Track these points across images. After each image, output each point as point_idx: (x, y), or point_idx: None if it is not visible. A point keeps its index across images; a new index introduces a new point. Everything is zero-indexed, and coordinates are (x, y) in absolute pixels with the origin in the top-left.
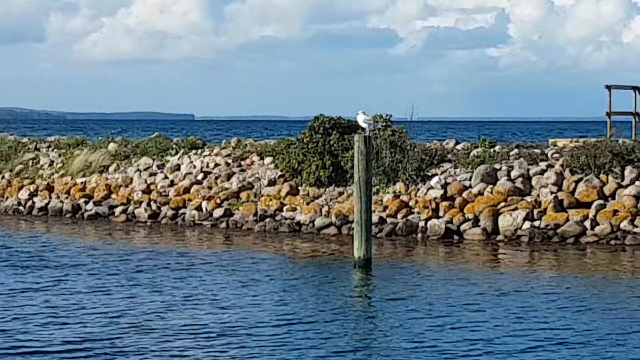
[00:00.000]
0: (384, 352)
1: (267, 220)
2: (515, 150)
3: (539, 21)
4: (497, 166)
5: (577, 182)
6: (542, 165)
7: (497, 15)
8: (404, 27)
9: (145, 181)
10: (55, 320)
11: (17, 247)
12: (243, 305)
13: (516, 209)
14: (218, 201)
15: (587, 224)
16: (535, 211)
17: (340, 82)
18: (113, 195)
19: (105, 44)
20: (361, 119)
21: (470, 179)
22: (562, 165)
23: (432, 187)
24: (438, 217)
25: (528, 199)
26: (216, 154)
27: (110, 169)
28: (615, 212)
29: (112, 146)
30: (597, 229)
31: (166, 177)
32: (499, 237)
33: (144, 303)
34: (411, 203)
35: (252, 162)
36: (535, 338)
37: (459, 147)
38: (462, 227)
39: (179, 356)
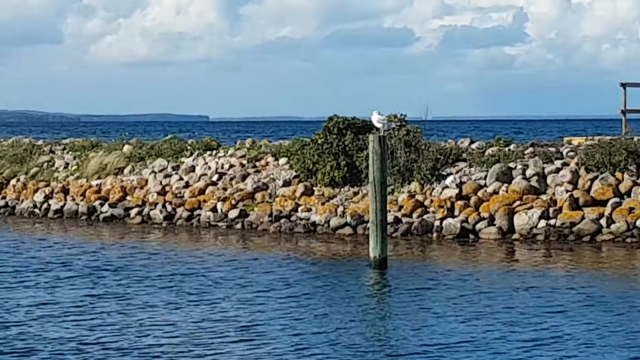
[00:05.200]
0: (402, 352)
1: (283, 220)
2: (530, 149)
3: (555, 19)
4: (512, 165)
5: (592, 180)
6: (557, 163)
7: (514, 13)
8: (420, 26)
9: (160, 183)
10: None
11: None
12: (258, 306)
13: (531, 207)
14: (233, 202)
15: (603, 222)
16: (551, 210)
17: (355, 82)
18: (128, 197)
19: (121, 45)
20: (375, 119)
21: (485, 178)
22: (577, 164)
23: (447, 187)
24: (453, 217)
25: (543, 197)
26: (231, 155)
27: (125, 170)
28: (631, 209)
29: (126, 148)
30: (613, 227)
31: (181, 179)
32: (515, 236)
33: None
34: (426, 202)
35: (267, 163)
36: (554, 337)
37: (473, 146)
38: (478, 226)
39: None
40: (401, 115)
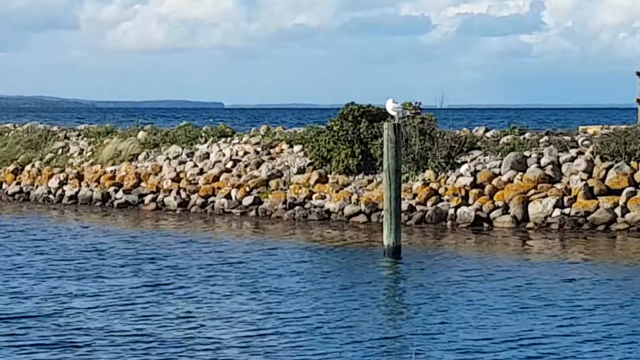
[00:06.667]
0: (415, 340)
1: (297, 208)
2: (545, 138)
3: (572, 7)
4: (527, 153)
5: (607, 169)
6: (572, 152)
7: (531, 1)
8: (437, 14)
9: (175, 169)
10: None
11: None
12: (273, 294)
13: (546, 196)
14: (247, 189)
15: (618, 211)
16: (566, 198)
17: (372, 69)
18: (143, 184)
19: (137, 32)
20: (390, 107)
21: (500, 167)
22: (592, 153)
23: (461, 175)
24: (468, 205)
25: (558, 186)
26: (245, 142)
27: (140, 157)
28: None
29: (141, 134)
30: (628, 216)
31: (195, 166)
32: (529, 225)
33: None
34: (441, 191)
35: (282, 150)
36: (569, 329)
37: (488, 134)
38: (492, 215)
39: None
40: (416, 103)
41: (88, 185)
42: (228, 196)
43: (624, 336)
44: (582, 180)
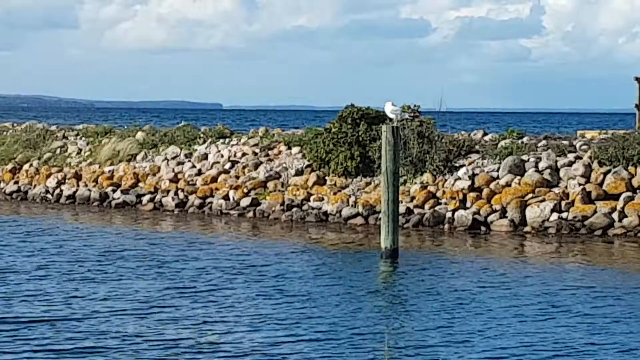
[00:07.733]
0: (411, 344)
1: (294, 210)
2: (544, 142)
3: (572, 12)
4: (525, 157)
5: (605, 174)
6: (570, 156)
7: (531, 5)
8: (436, 17)
9: (173, 170)
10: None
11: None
12: (272, 297)
13: (544, 200)
14: (245, 190)
15: (615, 216)
16: (563, 203)
17: (371, 71)
18: (140, 184)
19: (137, 32)
20: (389, 109)
21: (498, 170)
22: (590, 157)
23: (459, 178)
24: (465, 208)
25: (556, 190)
26: (244, 144)
27: (138, 157)
28: None
29: (140, 135)
30: (625, 221)
31: (194, 166)
32: (526, 229)
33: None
34: (438, 194)
35: (280, 152)
36: (563, 335)
37: (487, 138)
38: (490, 219)
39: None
40: (415, 106)
41: (86, 185)
42: (226, 197)
43: None
44: (579, 184)
